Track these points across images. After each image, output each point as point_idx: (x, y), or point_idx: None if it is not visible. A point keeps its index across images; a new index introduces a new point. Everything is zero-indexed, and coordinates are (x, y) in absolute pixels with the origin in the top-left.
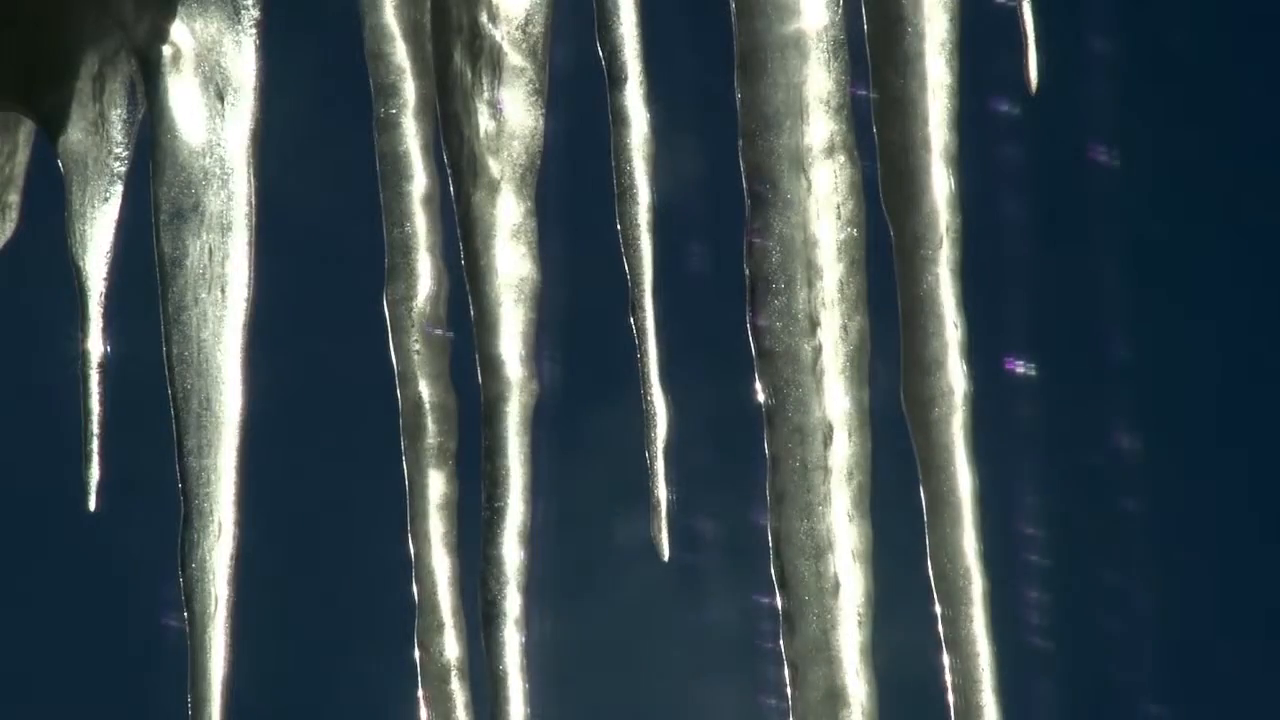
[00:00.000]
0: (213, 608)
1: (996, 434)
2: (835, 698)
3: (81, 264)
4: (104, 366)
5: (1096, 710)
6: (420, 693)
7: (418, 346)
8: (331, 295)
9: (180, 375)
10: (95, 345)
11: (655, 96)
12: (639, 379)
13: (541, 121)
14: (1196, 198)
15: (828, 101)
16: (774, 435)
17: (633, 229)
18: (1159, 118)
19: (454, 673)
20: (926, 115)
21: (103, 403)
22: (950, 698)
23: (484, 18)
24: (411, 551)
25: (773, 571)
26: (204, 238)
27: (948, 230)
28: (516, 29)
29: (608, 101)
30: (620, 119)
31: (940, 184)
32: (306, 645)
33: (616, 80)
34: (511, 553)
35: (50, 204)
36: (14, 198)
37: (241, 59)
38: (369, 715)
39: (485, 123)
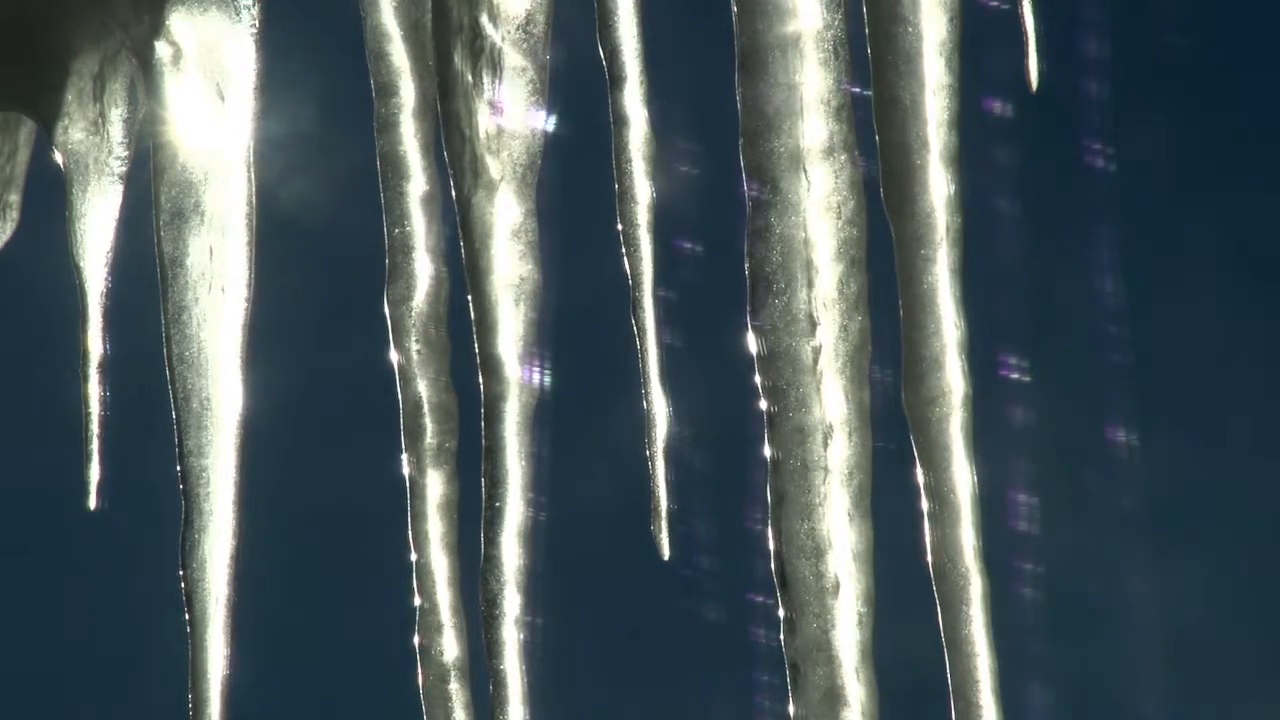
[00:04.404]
0: (213, 608)
1: (997, 434)
2: (835, 698)
3: (81, 264)
4: (104, 366)
5: (1095, 710)
6: (420, 693)
7: (418, 347)
8: (331, 295)
9: (180, 375)
10: (95, 345)
11: (655, 96)
12: (639, 379)
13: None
14: (1194, 198)
15: (828, 101)
16: (774, 435)
17: (633, 229)
18: (1158, 117)
19: (454, 673)
20: (926, 115)
21: (103, 403)
22: (950, 697)
23: (484, 18)
24: (411, 551)
25: (773, 571)
26: (204, 238)
27: (948, 230)
28: (517, 29)
29: (608, 101)
30: (620, 119)
31: (940, 184)
32: (306, 645)
33: (616, 80)
34: (511, 552)
35: (50, 204)
36: (14, 198)
37: (241, 58)
38: (369, 715)
39: (485, 123)
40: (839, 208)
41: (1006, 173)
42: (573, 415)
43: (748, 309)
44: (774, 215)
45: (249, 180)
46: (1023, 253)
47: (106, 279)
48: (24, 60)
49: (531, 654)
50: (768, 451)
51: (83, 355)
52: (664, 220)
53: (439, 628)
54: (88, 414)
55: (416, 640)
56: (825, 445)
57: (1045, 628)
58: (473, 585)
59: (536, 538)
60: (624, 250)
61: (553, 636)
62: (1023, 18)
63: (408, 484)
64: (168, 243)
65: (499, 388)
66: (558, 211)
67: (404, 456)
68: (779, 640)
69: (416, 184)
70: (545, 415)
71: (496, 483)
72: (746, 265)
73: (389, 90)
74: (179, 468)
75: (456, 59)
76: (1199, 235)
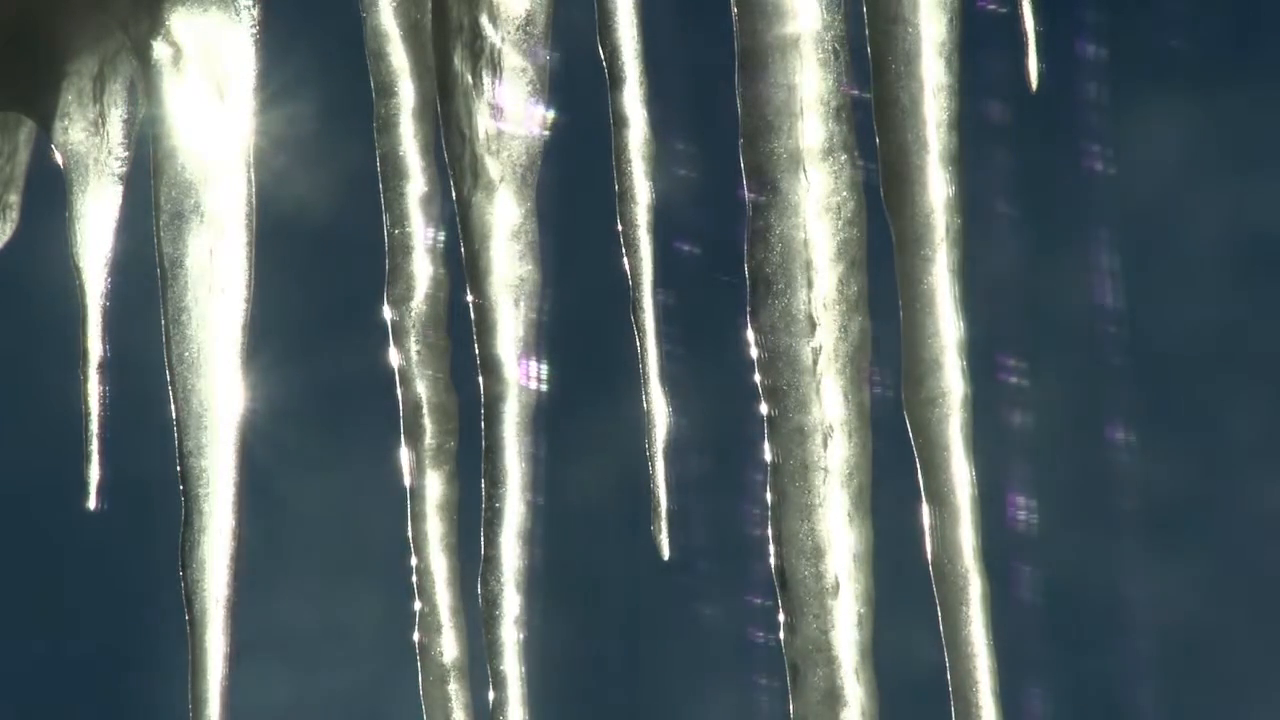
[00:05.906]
0: (213, 608)
1: (996, 435)
2: (835, 698)
3: (81, 264)
4: (104, 366)
5: (1094, 710)
6: (420, 693)
7: (418, 347)
8: (331, 296)
9: (180, 375)
10: (95, 345)
11: (655, 97)
12: (639, 379)
13: None
14: (1194, 198)
15: (827, 102)
16: (774, 436)
17: (633, 229)
18: (1159, 117)
19: (454, 673)
20: (926, 116)
21: (103, 403)
22: (950, 698)
23: (484, 18)
24: (411, 552)
25: (773, 572)
26: (204, 238)
27: (948, 231)
28: (516, 29)
29: (608, 102)
30: (620, 119)
31: (940, 185)
32: (307, 645)
33: (616, 80)
34: (511, 553)
35: (50, 204)
36: (14, 198)
37: (241, 58)
38: (369, 716)
39: (485, 123)
40: (839, 208)
41: (1006, 173)
42: (573, 415)
43: (747, 310)
44: (774, 216)
45: (249, 180)
46: (1022, 253)
47: (106, 279)
48: (24, 60)
49: (531, 654)
50: (767, 452)
51: (83, 355)
52: (664, 221)
53: (439, 628)
54: (88, 414)
55: (416, 640)
56: (825, 446)
57: (1045, 628)
58: (472, 586)
59: (536, 538)
60: (624, 250)
61: (553, 636)
62: (1023, 18)
63: (407, 485)
64: (167, 243)
65: (499, 388)
66: (558, 211)
67: (404, 456)
68: (779, 641)
69: (416, 185)
70: (545, 415)
71: (496, 483)
72: (746, 266)
73: (389, 91)
74: (179, 468)
75: (456, 59)
76: (1198, 235)
